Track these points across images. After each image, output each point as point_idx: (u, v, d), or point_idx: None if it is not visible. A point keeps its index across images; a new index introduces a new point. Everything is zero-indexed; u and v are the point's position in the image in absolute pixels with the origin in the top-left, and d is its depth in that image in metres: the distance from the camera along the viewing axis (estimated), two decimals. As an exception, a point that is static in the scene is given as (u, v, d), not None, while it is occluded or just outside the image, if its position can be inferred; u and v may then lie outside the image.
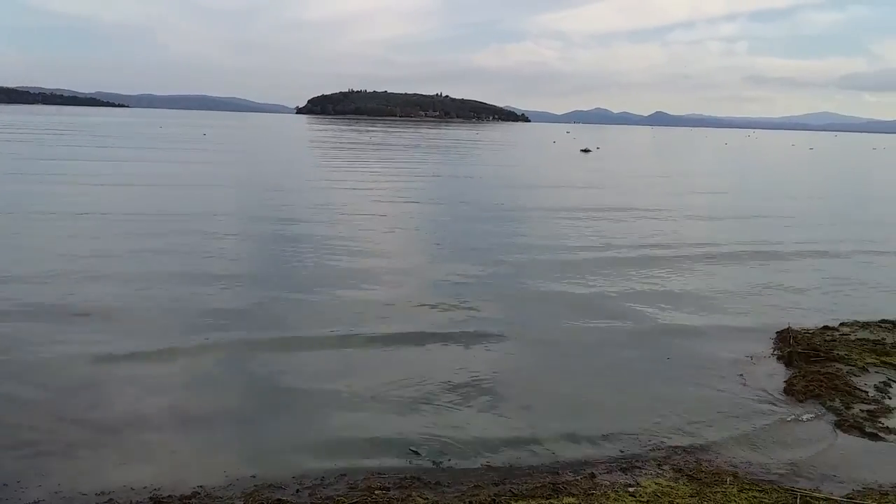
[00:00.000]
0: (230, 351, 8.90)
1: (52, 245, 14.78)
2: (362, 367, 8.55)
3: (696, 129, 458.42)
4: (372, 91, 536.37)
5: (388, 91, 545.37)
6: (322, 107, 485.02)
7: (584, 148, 74.50)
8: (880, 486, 5.91)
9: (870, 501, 5.57)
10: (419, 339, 9.57)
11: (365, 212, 21.54)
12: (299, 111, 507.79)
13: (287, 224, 18.57)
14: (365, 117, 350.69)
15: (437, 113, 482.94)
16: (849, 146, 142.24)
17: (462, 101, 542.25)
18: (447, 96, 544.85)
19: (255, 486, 5.75)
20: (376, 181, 31.84)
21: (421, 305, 11.23)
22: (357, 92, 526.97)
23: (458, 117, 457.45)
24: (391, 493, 5.70)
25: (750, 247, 17.44)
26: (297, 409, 7.33)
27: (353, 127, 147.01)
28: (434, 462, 6.27)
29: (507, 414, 7.32)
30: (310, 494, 5.65)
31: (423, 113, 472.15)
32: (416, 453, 6.40)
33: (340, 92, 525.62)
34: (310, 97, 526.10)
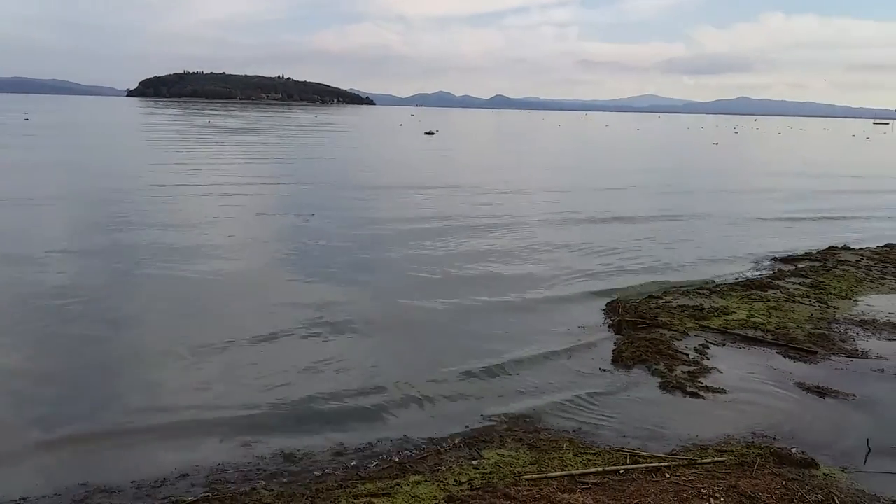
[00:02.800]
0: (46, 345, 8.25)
1: None
2: (203, 355, 8.18)
3: (533, 111, 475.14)
4: (209, 73, 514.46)
5: (227, 73, 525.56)
6: (155, 89, 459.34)
7: (428, 130, 75.43)
8: (700, 440, 6.35)
9: (691, 456, 5.97)
10: (259, 326, 9.28)
11: (202, 216, 20.61)
12: (130, 94, 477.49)
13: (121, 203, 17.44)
14: (203, 100, 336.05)
15: (280, 96, 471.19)
16: (669, 126, 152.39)
17: (305, 83, 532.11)
18: (289, 79, 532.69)
19: (87, 492, 5.39)
20: (214, 170, 30.55)
21: (266, 286, 10.91)
22: (193, 73, 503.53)
23: (301, 100, 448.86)
24: (234, 486, 5.50)
25: (584, 222, 18.31)
26: (131, 405, 6.92)
27: (190, 110, 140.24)
28: (279, 452, 6.10)
29: (352, 397, 7.23)
30: (148, 496, 5.34)
31: (264, 96, 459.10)
32: None
33: (175, 73, 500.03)
34: (142, 79, 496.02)
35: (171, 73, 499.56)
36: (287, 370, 7.90)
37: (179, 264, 12.45)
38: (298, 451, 6.13)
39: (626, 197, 24.72)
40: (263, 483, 5.56)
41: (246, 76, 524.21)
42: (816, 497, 5.25)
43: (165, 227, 15.81)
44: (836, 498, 5.25)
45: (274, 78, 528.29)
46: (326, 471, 5.77)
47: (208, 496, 5.33)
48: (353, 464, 5.89)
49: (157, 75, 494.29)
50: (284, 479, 5.63)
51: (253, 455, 6.04)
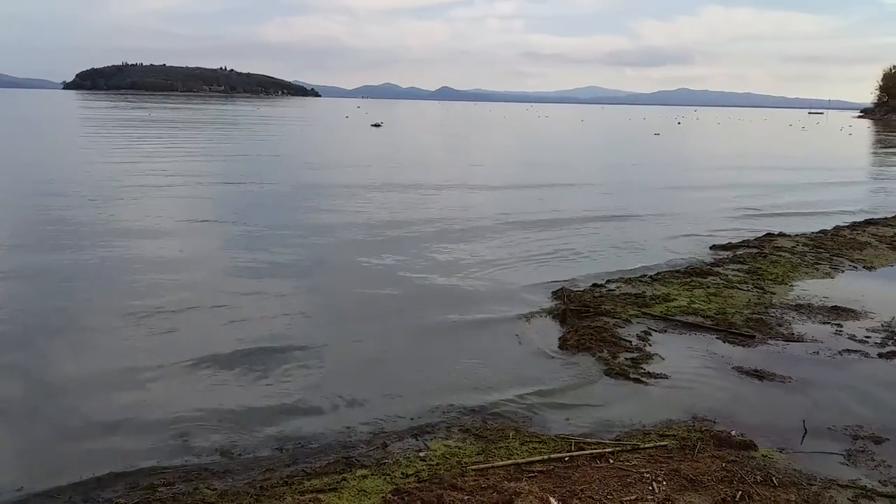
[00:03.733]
0: None
1: None
2: (141, 353, 7.98)
3: (479, 103, 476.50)
4: (149, 64, 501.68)
5: (168, 65, 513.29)
6: (93, 81, 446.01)
7: (375, 122, 75.07)
8: (643, 425, 6.45)
9: (634, 441, 6.07)
10: (199, 327, 9.10)
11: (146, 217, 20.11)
12: (66, 86, 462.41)
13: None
14: (143, 92, 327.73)
15: (223, 88, 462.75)
16: (612, 117, 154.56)
17: (249, 75, 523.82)
18: (232, 70, 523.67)
19: (22, 496, 5.23)
20: (152, 165, 29.84)
21: (202, 288, 10.71)
22: (133, 65, 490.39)
23: (245, 92, 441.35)
24: (177, 487, 5.38)
25: (530, 214, 18.39)
26: (66, 405, 6.75)
27: (129, 103, 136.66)
28: (220, 450, 5.99)
29: (297, 393, 7.14)
30: (86, 500, 5.20)
31: (206, 88, 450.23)
32: None
33: (114, 65, 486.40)
34: (79, 71, 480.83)
35: (110, 64, 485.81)
36: (226, 367, 7.76)
37: (118, 264, 12.13)
38: (240, 448, 6.01)
39: (571, 188, 24.99)
40: (206, 483, 5.45)
41: (187, 68, 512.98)
42: (755, 477, 5.39)
43: (103, 233, 15.32)
44: (773, 478, 5.39)
45: (216, 70, 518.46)
46: (271, 468, 5.67)
47: (149, 498, 5.20)
48: (297, 460, 5.81)
49: (95, 67, 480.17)
50: (228, 478, 5.51)
51: (193, 454, 5.90)
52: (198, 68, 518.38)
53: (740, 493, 5.13)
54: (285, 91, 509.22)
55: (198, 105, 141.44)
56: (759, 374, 7.66)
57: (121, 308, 9.62)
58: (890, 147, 64.22)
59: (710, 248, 14.52)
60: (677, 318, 9.53)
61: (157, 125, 59.56)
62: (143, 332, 8.78)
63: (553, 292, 10.82)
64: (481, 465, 5.54)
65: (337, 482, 5.35)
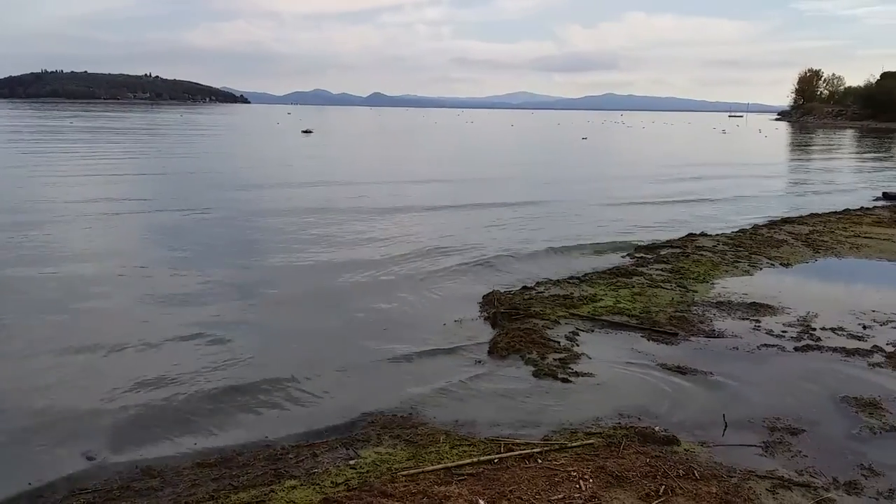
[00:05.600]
0: None
1: None
2: (58, 365, 7.70)
3: (411, 108, 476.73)
4: (71, 72, 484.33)
5: (90, 72, 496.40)
6: (10, 89, 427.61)
7: (305, 129, 74.38)
8: (570, 424, 6.56)
9: (562, 440, 6.15)
10: (115, 335, 8.84)
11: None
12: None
13: None
14: (64, 100, 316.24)
15: (148, 95, 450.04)
16: (542, 122, 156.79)
17: (175, 81, 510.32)
18: (157, 77, 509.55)
19: None
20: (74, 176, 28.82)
21: (126, 298, 10.41)
22: (53, 73, 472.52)
23: (171, 99, 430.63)
24: (96, 504, 5.22)
25: (462, 217, 18.54)
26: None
27: (47, 112, 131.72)
28: (138, 465, 5.81)
29: (223, 405, 7.01)
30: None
31: (131, 95, 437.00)
32: None
33: (32, 73, 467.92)
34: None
35: (28, 72, 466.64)
36: (146, 377, 7.58)
37: (39, 283, 11.68)
38: (163, 464, 5.86)
39: (500, 192, 25.16)
40: (129, 500, 5.28)
41: (111, 75, 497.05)
42: (678, 471, 5.53)
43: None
44: (695, 471, 5.55)
45: (141, 76, 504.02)
46: (196, 483, 5.54)
47: (66, 516, 5.04)
48: (224, 474, 5.68)
49: (13, 75, 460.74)
50: (151, 495, 5.36)
51: (112, 471, 5.73)
52: (122, 75, 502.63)
53: (664, 487, 5.26)
54: (213, 98, 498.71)
55: (116, 113, 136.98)
56: (681, 371, 7.88)
57: (43, 316, 9.35)
58: (802, 147, 67.13)
59: (636, 248, 14.85)
60: (604, 317, 9.72)
61: (72, 135, 57.55)
62: (58, 344, 8.49)
63: (483, 296, 10.90)
64: (412, 471, 5.53)
65: (265, 494, 5.27)
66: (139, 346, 8.51)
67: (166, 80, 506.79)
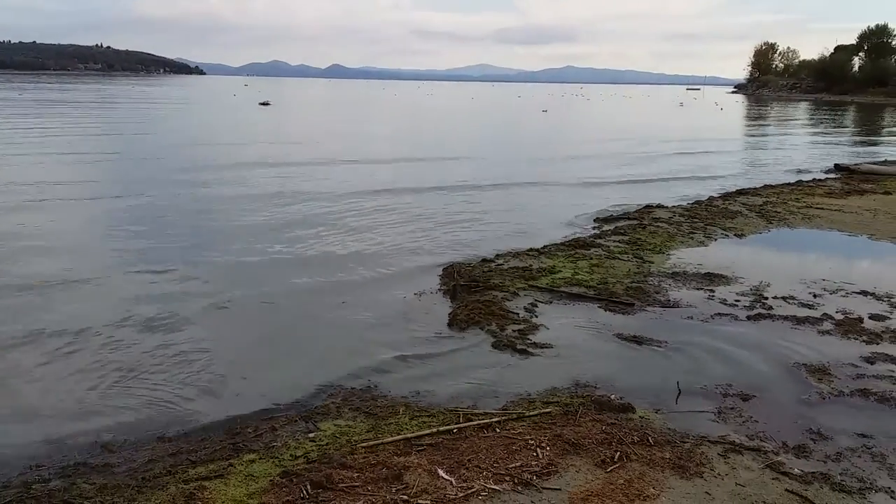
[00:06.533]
0: None
1: None
2: (10, 347, 7.55)
3: (371, 80, 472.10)
4: (18, 42, 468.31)
5: (39, 42, 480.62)
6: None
7: (263, 101, 73.23)
8: (528, 394, 6.64)
9: (520, 409, 6.23)
10: (72, 319, 8.68)
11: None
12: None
13: None
14: (11, 71, 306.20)
15: (100, 66, 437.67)
16: (503, 95, 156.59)
17: (128, 52, 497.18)
18: (109, 47, 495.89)
19: None
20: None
21: (83, 281, 10.22)
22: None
23: (124, 70, 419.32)
24: (52, 483, 5.15)
25: (419, 194, 18.46)
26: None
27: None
28: (97, 443, 5.75)
29: (179, 380, 6.95)
30: (-53, 503, 4.90)
31: (82, 66, 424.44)
32: None
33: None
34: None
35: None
36: (100, 356, 7.48)
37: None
38: (120, 440, 5.80)
39: (460, 167, 25.13)
40: (84, 477, 5.23)
41: (60, 45, 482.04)
42: (632, 438, 5.65)
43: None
44: (650, 438, 5.68)
45: (92, 47, 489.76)
46: (153, 458, 5.50)
47: (22, 496, 4.95)
48: (182, 449, 5.65)
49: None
50: (107, 472, 5.31)
51: (69, 449, 5.66)
52: (72, 45, 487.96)
53: (619, 453, 5.37)
54: (167, 69, 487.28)
55: (75, 84, 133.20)
56: (637, 340, 8.02)
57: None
58: (757, 120, 68.22)
59: (594, 220, 15.00)
60: (562, 289, 9.81)
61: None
62: (9, 323, 8.31)
63: (443, 268, 10.92)
64: (371, 443, 5.56)
65: (223, 468, 5.25)
66: (97, 330, 8.29)
67: (118, 50, 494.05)
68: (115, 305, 9.08)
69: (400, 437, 5.65)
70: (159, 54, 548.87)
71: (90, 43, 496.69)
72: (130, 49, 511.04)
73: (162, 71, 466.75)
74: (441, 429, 5.78)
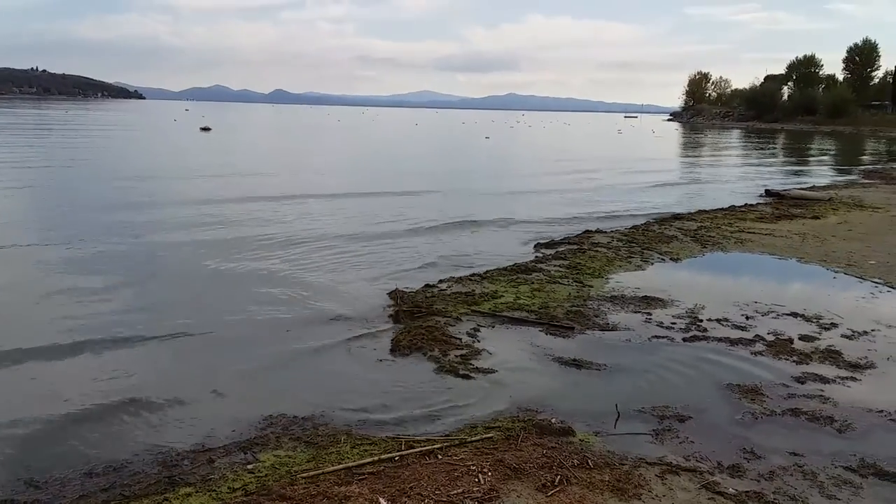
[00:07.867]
0: None
1: None
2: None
3: (314, 106, 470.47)
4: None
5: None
6: None
7: (204, 126, 72.27)
8: (472, 419, 6.66)
9: (462, 435, 6.25)
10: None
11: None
12: None
13: None
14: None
15: (35, 90, 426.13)
16: (446, 121, 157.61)
17: (64, 76, 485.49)
18: (45, 71, 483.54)
19: None
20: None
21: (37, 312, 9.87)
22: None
23: (61, 94, 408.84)
24: (-27, 526, 4.95)
25: (364, 221, 18.46)
26: None
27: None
28: (20, 479, 5.53)
29: (111, 409, 6.74)
30: None
31: (16, 90, 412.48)
32: None
33: None
34: None
35: None
36: (23, 385, 7.29)
37: None
38: (46, 476, 5.60)
39: (407, 194, 25.21)
40: (9, 517, 5.04)
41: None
42: (572, 461, 5.72)
43: None
44: (589, 461, 5.75)
45: (26, 70, 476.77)
46: (84, 495, 5.33)
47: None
48: (114, 483, 5.48)
49: None
50: (33, 510, 5.14)
51: (-4, 488, 5.45)
52: (5, 69, 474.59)
53: (559, 477, 5.43)
54: (106, 93, 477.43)
55: (9, 109, 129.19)
56: (577, 364, 8.13)
57: None
58: (691, 147, 70.28)
59: (535, 246, 15.16)
60: (504, 313, 9.90)
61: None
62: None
63: (387, 294, 10.90)
64: (311, 473, 5.50)
65: (158, 503, 5.12)
66: (17, 358, 8.03)
67: (54, 74, 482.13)
68: (43, 329, 8.80)
69: (341, 466, 5.60)
70: (98, 78, 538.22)
71: (25, 66, 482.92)
72: (67, 73, 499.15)
73: (100, 95, 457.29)
74: (383, 457, 5.75)
